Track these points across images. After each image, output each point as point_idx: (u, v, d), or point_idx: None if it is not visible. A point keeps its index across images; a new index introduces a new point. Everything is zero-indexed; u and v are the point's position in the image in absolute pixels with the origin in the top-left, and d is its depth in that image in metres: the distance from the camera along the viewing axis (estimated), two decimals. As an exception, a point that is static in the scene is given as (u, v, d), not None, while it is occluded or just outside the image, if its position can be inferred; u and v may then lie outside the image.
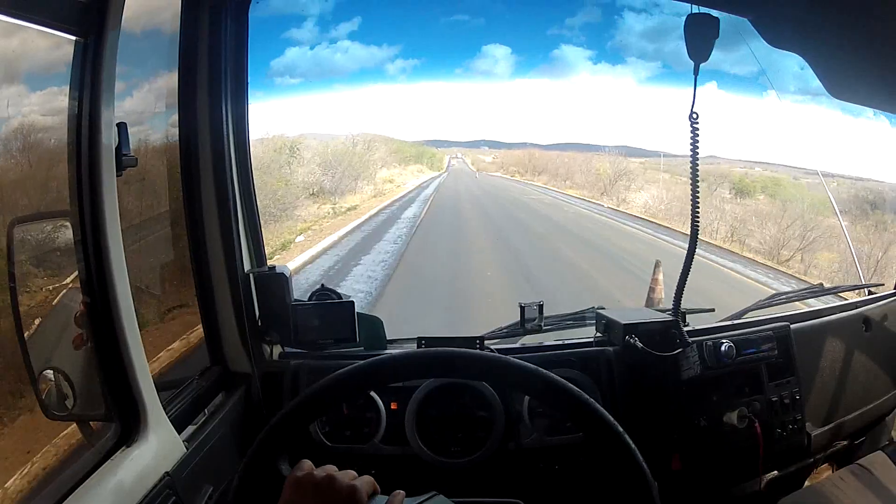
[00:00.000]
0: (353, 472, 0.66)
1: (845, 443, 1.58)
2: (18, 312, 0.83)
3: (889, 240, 7.34)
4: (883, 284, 1.79)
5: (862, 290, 1.77)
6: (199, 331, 1.25)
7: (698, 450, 1.30)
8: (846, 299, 1.73)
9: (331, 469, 0.66)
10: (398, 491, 0.66)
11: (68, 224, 0.89)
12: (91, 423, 0.93)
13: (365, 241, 8.39)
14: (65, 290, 0.93)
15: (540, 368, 0.72)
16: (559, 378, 0.71)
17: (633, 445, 0.69)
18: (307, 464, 0.67)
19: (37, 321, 0.92)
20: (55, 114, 0.99)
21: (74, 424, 0.95)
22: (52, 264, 0.94)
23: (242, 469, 0.70)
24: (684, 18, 1.15)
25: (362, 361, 0.73)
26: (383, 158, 14.17)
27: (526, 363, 0.73)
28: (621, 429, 0.69)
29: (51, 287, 0.95)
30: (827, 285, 1.77)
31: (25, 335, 0.84)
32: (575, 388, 0.71)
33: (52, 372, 0.86)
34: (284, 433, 0.72)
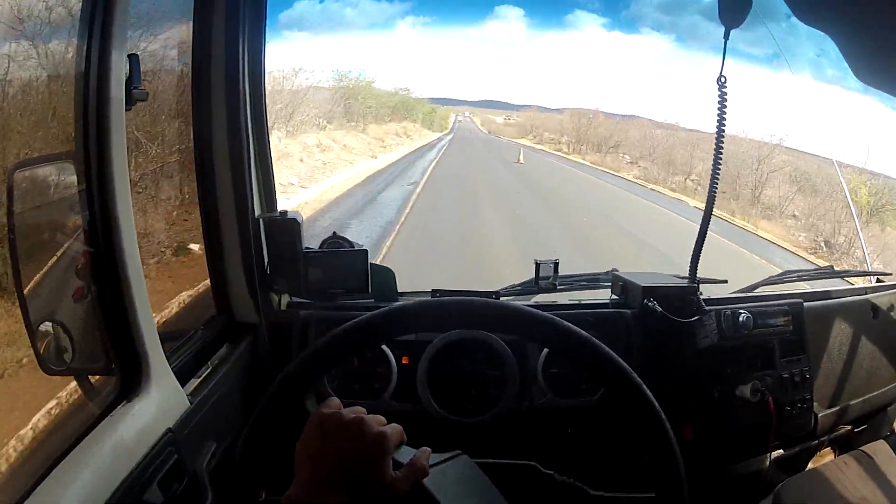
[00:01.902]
0: (383, 419, 0.62)
1: (848, 428, 1.57)
2: (17, 264, 0.77)
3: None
4: (891, 274, 1.76)
5: (869, 278, 1.75)
6: (204, 279, 1.18)
7: (711, 421, 1.28)
8: (853, 284, 1.73)
9: (360, 411, 0.62)
10: (425, 448, 0.63)
11: (72, 167, 0.82)
12: (90, 377, 0.88)
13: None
14: (68, 241, 0.87)
15: (565, 322, 0.69)
16: (583, 332, 0.69)
17: (656, 404, 0.67)
18: (335, 402, 0.63)
19: (38, 273, 0.86)
20: (61, 47, 0.93)
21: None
22: (56, 212, 0.87)
23: (251, 425, 0.67)
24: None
25: (380, 309, 0.69)
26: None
27: (552, 316, 0.70)
28: (646, 388, 0.67)
29: (54, 237, 0.89)
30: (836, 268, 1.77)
31: (24, 287, 0.79)
32: (599, 342, 0.69)
33: (50, 325, 0.81)
34: (295, 388, 0.67)
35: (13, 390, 1.09)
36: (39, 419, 1.00)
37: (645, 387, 0.67)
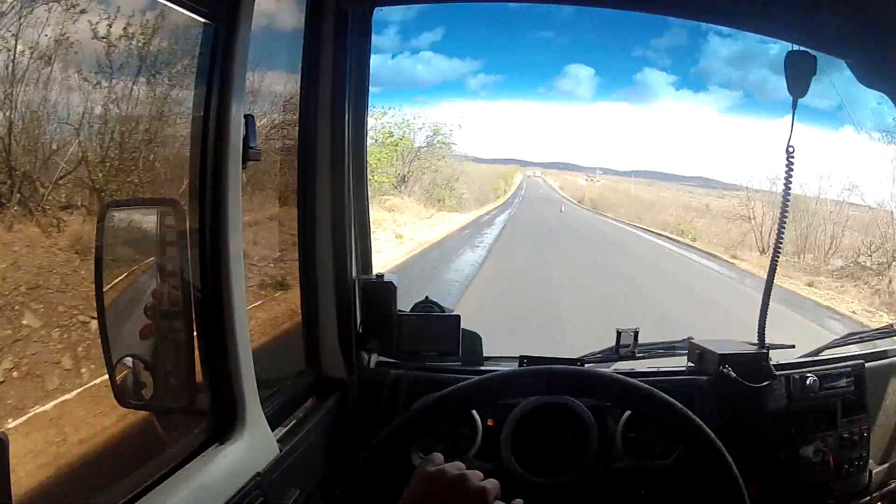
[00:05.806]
0: (481, 474, 0.63)
1: (900, 482, 1.62)
2: (102, 296, 0.73)
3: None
4: None
5: None
6: (295, 332, 1.17)
7: (775, 482, 1.21)
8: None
9: (461, 467, 0.63)
10: (518, 500, 0.64)
11: (170, 211, 0.81)
12: (168, 414, 0.84)
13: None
14: (144, 279, 0.85)
15: (660, 392, 0.76)
16: (673, 399, 0.75)
17: (734, 467, 0.71)
18: (439, 457, 0.64)
19: (120, 307, 0.86)
20: (172, 100, 0.97)
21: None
22: (143, 252, 0.86)
23: (353, 472, 0.70)
24: (770, 46, 1.17)
25: (491, 374, 0.75)
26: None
27: (648, 385, 0.76)
28: (727, 453, 0.72)
29: (138, 274, 0.88)
30: (898, 327, 1.77)
31: (107, 320, 0.76)
32: (687, 410, 0.75)
33: (130, 359, 0.77)
34: (402, 440, 0.72)
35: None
36: (123, 451, 1.00)
37: (726, 452, 0.72)
